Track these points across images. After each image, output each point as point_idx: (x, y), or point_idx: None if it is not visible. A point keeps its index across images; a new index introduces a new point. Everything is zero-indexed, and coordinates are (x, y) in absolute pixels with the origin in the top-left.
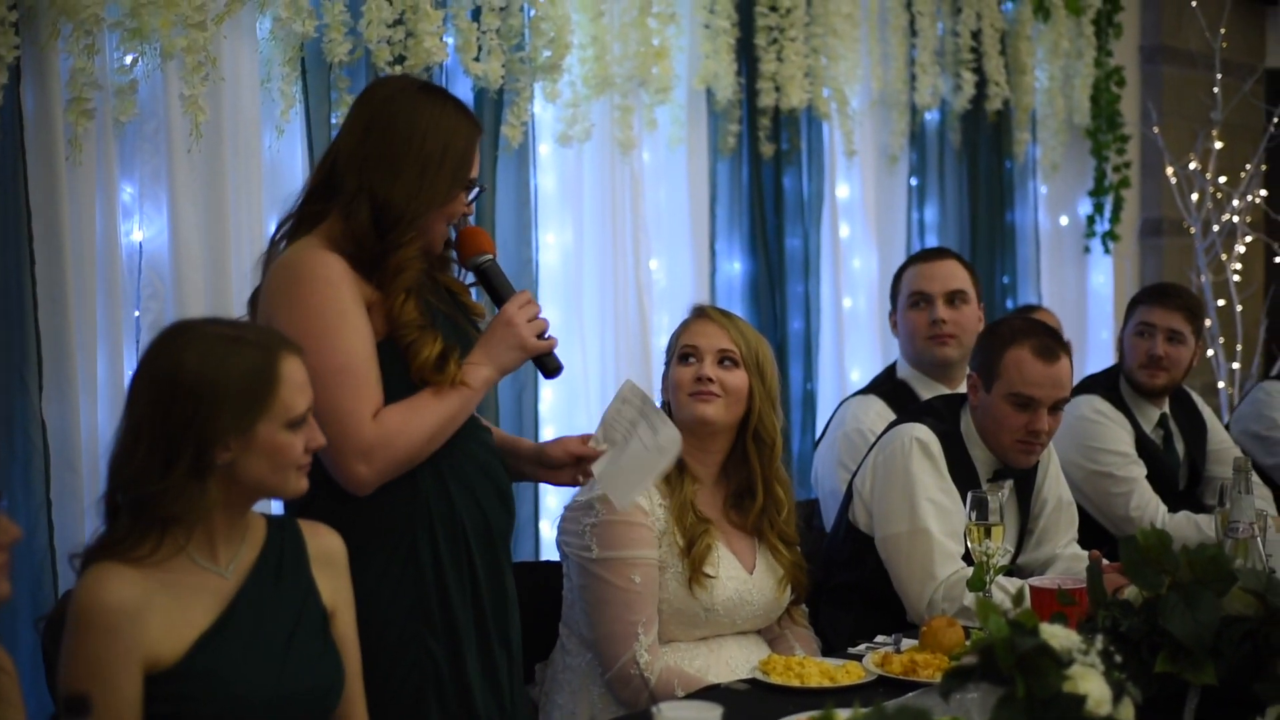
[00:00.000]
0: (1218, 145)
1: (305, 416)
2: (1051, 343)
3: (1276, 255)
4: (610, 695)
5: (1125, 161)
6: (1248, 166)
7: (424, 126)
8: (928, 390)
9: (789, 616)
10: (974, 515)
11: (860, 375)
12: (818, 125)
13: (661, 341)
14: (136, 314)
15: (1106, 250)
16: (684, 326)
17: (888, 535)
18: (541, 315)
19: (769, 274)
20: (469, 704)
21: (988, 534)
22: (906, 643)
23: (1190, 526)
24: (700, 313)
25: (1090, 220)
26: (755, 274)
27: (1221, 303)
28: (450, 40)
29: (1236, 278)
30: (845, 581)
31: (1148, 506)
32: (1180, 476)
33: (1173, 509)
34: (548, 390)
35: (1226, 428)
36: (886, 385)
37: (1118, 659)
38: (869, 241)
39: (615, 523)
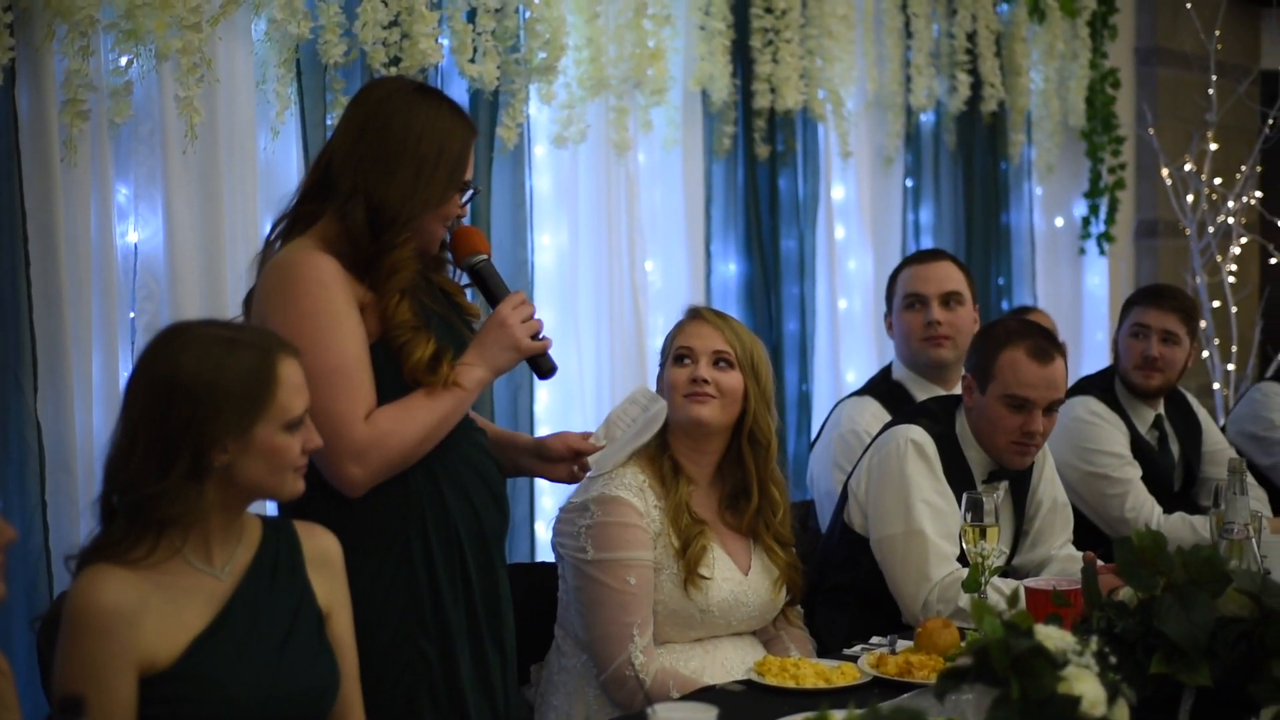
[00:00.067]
0: (1213, 147)
1: (303, 418)
2: (1046, 344)
3: (1271, 257)
4: (605, 697)
5: (1120, 163)
6: (1243, 168)
7: (419, 128)
8: (923, 392)
9: (784, 618)
10: (969, 517)
11: (856, 376)
12: (813, 127)
13: (656, 343)
14: (131, 315)
15: (1102, 252)
16: (679, 328)
17: (883, 537)
18: (536, 316)
19: (764, 275)
20: (461, 705)
21: (983, 535)
22: (902, 644)
23: (1185, 528)
24: (695, 314)
25: (1085, 222)
26: (750, 275)
27: (1216, 304)
28: (445, 42)
29: (1231, 279)
30: (840, 583)
31: (1143, 508)
32: (1175, 478)
33: (1168, 510)
34: (543, 391)
35: (1222, 429)
36: (882, 386)
37: (1112, 660)
38: (864, 243)
39: (610, 524)
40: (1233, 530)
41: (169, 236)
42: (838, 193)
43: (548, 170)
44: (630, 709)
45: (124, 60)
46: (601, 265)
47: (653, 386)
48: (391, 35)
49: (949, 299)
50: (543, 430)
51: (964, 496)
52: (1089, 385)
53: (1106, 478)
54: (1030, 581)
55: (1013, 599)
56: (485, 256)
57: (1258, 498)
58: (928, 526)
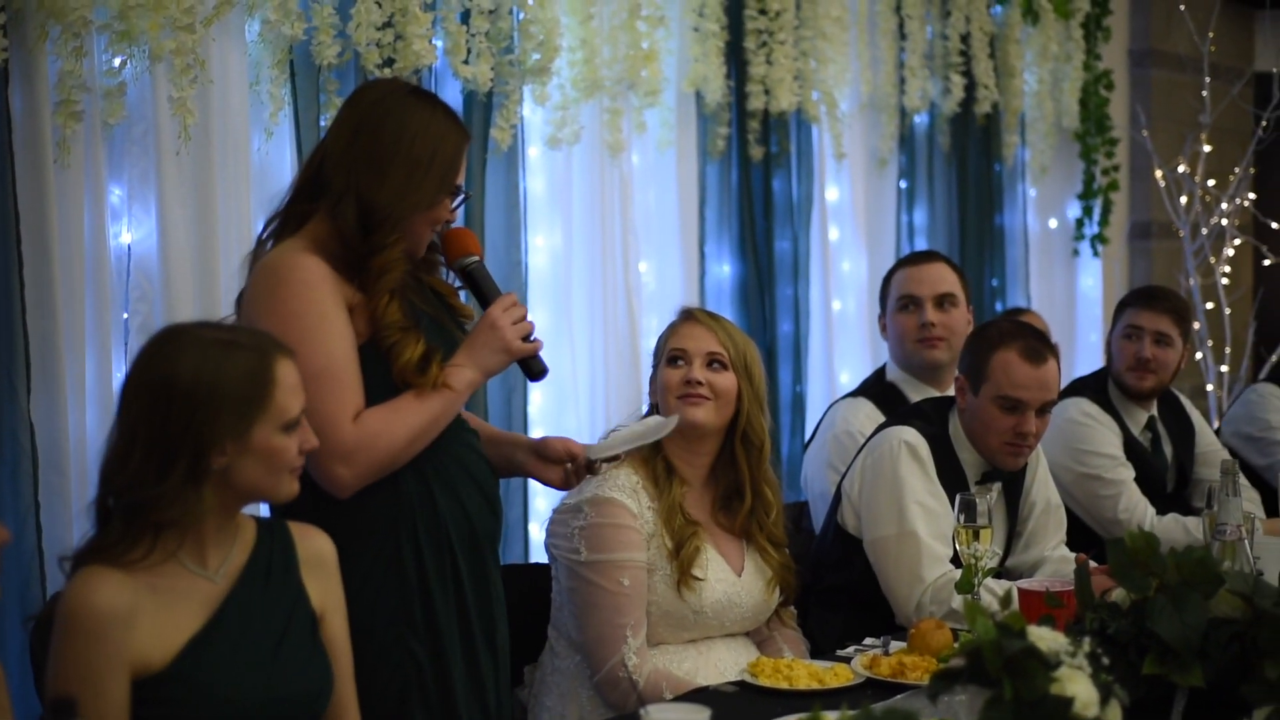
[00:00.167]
0: (1206, 149)
1: (299, 419)
2: (1039, 345)
3: (1265, 258)
4: (599, 698)
5: (1114, 165)
6: (1236, 170)
7: (413, 130)
8: (917, 393)
9: (778, 619)
10: (962, 518)
11: (849, 378)
12: (807, 128)
13: (650, 344)
14: (125, 316)
15: (1095, 253)
16: (672, 329)
17: (876, 538)
18: (528, 318)
19: (758, 277)
20: (452, 706)
21: (976, 536)
22: (895, 645)
23: (1178, 529)
24: (688, 315)
25: (1079, 223)
26: (744, 277)
27: (1210, 306)
28: (439, 43)
29: (1225, 281)
30: (834, 584)
31: (1136, 509)
32: (1168, 479)
33: (1161, 511)
34: (537, 393)
35: (1216, 431)
36: (876, 388)
37: (1105, 661)
38: (858, 244)
39: (604, 526)
40: (1225, 531)
41: (162, 237)
42: (832, 194)
43: (541, 171)
44: (623, 710)
45: (117, 61)
46: (595, 266)
47: (645, 388)
48: (385, 36)
49: (943, 300)
50: (537, 432)
51: (957, 498)
52: (1082, 387)
53: (1099, 479)
54: (1023, 583)
55: (1006, 600)
56: (477, 258)
57: (1250, 499)
58: (921, 528)
